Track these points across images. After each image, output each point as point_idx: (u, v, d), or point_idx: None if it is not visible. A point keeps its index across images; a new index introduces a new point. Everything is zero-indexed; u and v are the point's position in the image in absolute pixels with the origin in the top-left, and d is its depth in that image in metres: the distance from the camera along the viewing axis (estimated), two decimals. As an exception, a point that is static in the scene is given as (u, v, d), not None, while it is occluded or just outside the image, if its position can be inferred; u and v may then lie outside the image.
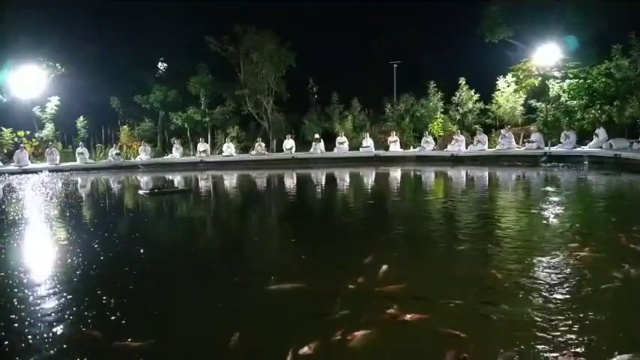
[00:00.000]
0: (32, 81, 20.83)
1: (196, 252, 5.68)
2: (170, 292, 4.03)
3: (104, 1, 21.89)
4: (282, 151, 20.37)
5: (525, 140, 17.92)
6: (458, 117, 20.71)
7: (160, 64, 24.55)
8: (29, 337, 3.08)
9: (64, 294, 3.86)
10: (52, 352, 2.88)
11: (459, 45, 21.00)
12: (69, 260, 4.91)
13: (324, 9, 23.46)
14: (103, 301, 3.67)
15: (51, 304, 3.63)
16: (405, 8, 23.99)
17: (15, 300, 3.76)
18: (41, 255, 5.61)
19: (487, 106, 20.36)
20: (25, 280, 4.27)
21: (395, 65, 22.54)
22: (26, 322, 3.32)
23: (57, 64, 21.39)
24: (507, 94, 19.59)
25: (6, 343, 3.04)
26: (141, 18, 21.96)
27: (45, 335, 3.09)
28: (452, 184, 12.12)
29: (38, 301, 3.70)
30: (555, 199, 8.42)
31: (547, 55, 18.27)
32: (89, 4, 21.73)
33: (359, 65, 24.43)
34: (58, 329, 3.18)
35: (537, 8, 18.64)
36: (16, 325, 3.29)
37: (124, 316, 3.37)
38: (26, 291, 3.96)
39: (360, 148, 19.79)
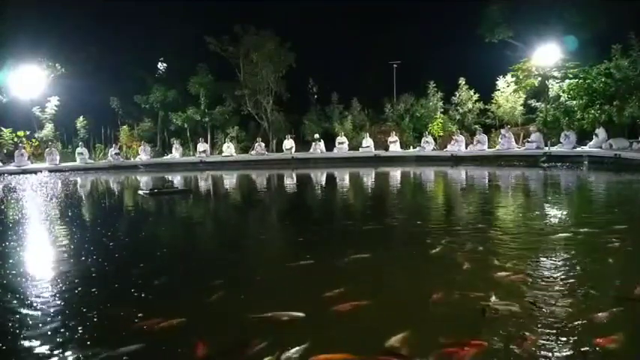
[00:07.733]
0: (32, 81, 20.85)
1: (196, 252, 5.68)
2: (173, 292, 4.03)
3: (104, 1, 21.91)
4: (282, 151, 20.38)
5: (525, 140, 17.93)
6: (458, 117, 20.73)
7: (159, 64, 24.58)
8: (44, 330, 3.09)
9: (70, 294, 3.86)
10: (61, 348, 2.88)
11: (459, 45, 20.97)
12: (77, 259, 4.92)
13: (324, 9, 23.46)
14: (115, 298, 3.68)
15: (60, 301, 3.64)
16: (405, 8, 24.01)
17: (27, 296, 3.76)
18: (42, 255, 5.61)
19: (487, 106, 20.38)
20: (35, 278, 4.29)
21: (395, 65, 22.57)
22: (43, 318, 3.32)
23: (57, 65, 21.41)
24: (507, 94, 19.60)
25: (25, 340, 3.04)
26: (141, 18, 21.99)
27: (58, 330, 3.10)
28: (451, 186, 12.10)
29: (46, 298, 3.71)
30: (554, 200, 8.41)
31: (547, 55, 18.27)
32: (89, 4, 21.74)
33: (359, 65, 24.45)
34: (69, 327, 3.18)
35: (537, 8, 18.67)
36: (30, 321, 3.29)
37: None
38: (38, 286, 3.98)
39: (360, 148, 19.80)
